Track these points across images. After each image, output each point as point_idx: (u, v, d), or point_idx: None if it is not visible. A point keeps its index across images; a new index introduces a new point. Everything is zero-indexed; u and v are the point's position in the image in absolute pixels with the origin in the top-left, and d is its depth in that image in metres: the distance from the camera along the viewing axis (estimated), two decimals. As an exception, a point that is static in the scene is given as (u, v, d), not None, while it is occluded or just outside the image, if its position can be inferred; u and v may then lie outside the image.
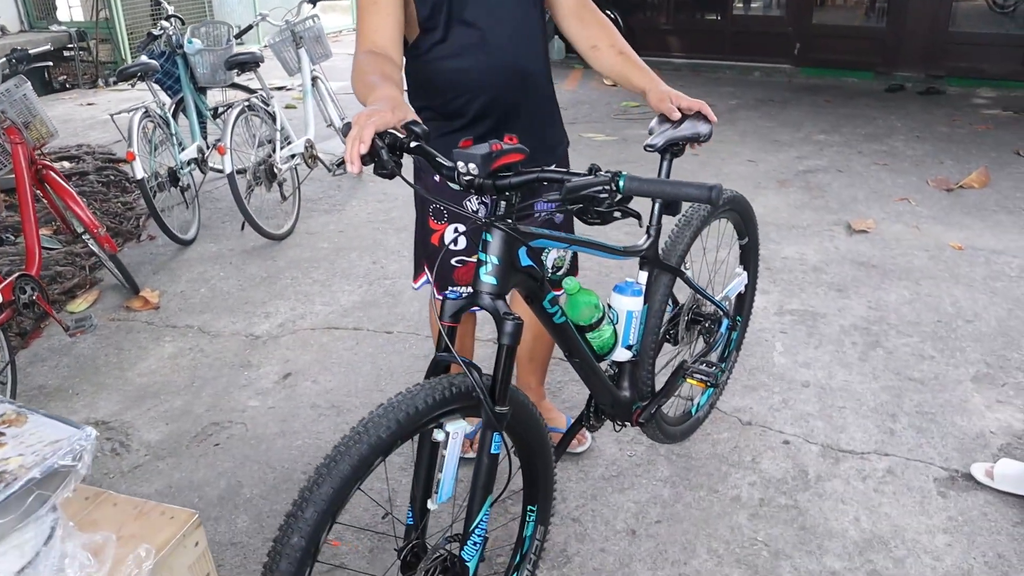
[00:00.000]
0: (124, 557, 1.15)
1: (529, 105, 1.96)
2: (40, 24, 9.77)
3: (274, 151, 4.26)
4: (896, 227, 4.17)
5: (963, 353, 2.98)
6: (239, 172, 4.03)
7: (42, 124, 3.58)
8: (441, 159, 1.43)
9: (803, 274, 3.65)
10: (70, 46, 9.26)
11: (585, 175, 1.42)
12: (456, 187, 1.43)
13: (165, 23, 4.58)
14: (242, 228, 4.12)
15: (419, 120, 1.42)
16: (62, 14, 10.31)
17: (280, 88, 7.69)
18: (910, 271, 3.66)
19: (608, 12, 8.46)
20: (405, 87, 1.88)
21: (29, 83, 3.55)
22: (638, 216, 1.44)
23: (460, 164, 1.39)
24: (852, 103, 6.91)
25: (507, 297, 1.53)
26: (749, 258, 2.50)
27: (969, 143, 5.65)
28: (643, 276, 1.97)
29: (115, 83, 9.08)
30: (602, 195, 1.39)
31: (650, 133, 1.97)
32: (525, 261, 1.55)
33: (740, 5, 8.94)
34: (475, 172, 1.37)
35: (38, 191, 3.45)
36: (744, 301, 2.60)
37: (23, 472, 1.06)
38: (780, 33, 8.16)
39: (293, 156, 4.36)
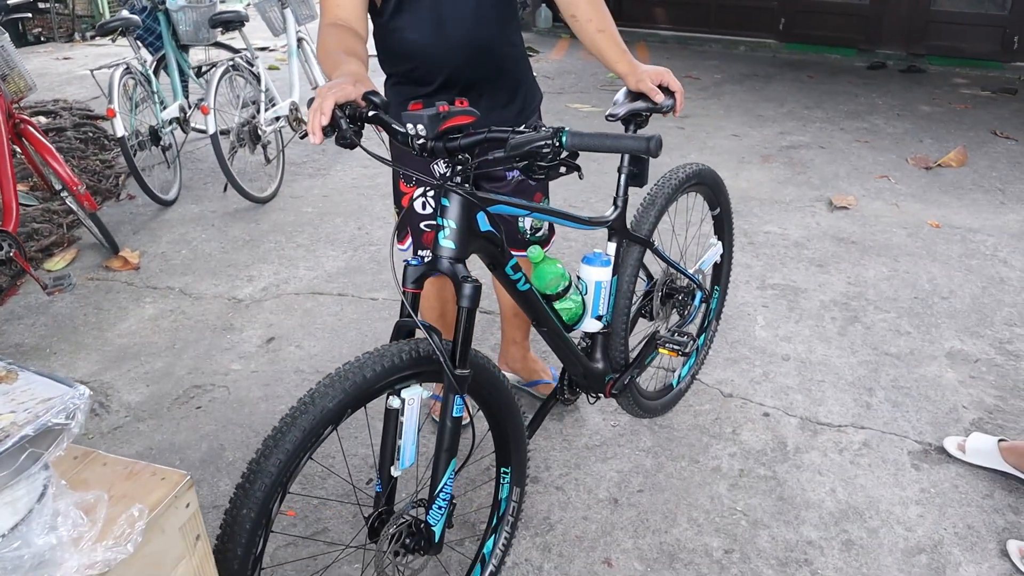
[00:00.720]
0: (116, 516, 1.15)
1: (493, 77, 1.94)
2: (13, -27, 9.52)
3: (258, 112, 4.20)
4: (876, 204, 4.21)
5: (938, 329, 3.03)
6: (222, 133, 3.97)
7: (20, 77, 3.51)
8: (396, 125, 1.44)
9: (785, 249, 3.68)
10: (45, -2, 9.06)
11: (529, 132, 1.43)
12: (413, 152, 1.44)
13: (147, -22, 4.48)
14: (224, 190, 4.08)
15: (378, 91, 1.43)
16: (36, -35, 10.05)
17: (264, 48, 7.56)
18: (889, 248, 3.71)
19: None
20: (374, 52, 1.87)
21: (7, 34, 3.47)
22: (578, 168, 1.46)
23: (409, 126, 1.40)
24: (835, 80, 6.93)
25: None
26: (723, 228, 2.51)
27: (948, 122, 5.70)
28: (612, 247, 1.98)
29: (93, 37, 8.90)
30: (545, 150, 1.40)
31: (614, 104, 1.98)
32: (485, 226, 1.55)
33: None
34: (423, 133, 1.39)
35: (15, 146, 3.39)
36: (721, 271, 2.63)
37: (16, 429, 1.06)
38: (765, 8, 8.14)
39: (278, 118, 4.30)
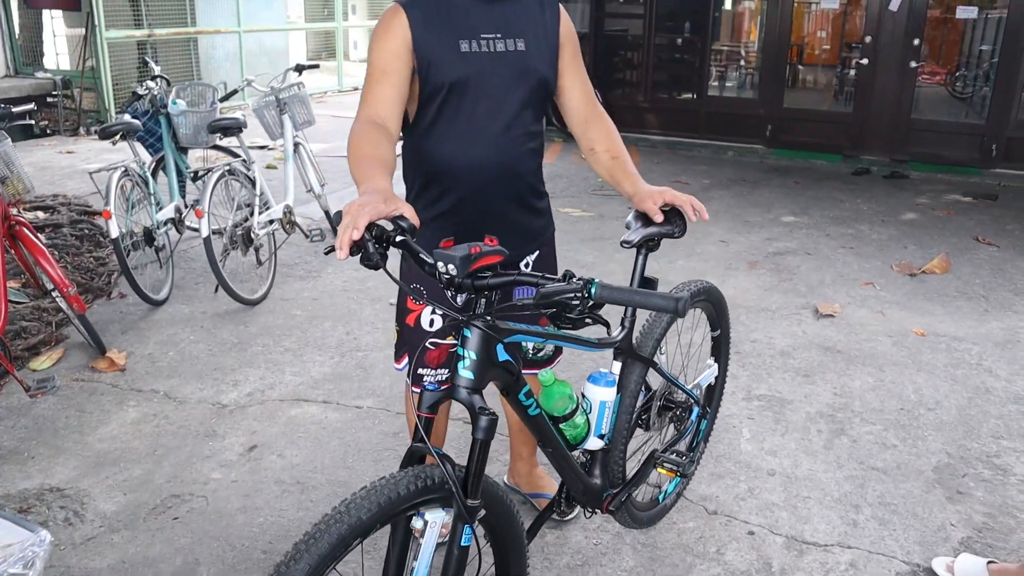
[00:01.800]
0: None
1: (510, 204, 2.01)
2: (27, 70, 9.84)
3: (252, 214, 4.27)
4: (861, 312, 4.26)
5: (925, 442, 3.02)
6: (215, 233, 4.03)
7: (19, 180, 3.59)
8: (424, 255, 1.48)
9: (771, 358, 3.70)
10: (54, 93, 9.32)
11: (559, 280, 1.46)
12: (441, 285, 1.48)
13: (151, 83, 4.62)
14: (215, 291, 4.11)
15: (407, 215, 1.46)
16: (49, 61, 10.40)
17: (262, 147, 7.73)
18: (875, 357, 3.73)
19: (588, 87, 8.64)
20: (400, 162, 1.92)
21: (9, 139, 3.57)
22: (607, 324, 1.49)
23: (440, 264, 1.44)
24: (821, 185, 7.09)
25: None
26: (720, 350, 2.54)
27: (931, 228, 5.81)
28: (617, 366, 2.00)
29: (96, 132, 9.11)
30: (574, 302, 1.42)
31: (627, 228, 2.02)
32: (503, 356, 1.59)
33: (716, 84, 9.20)
34: (454, 273, 1.43)
35: (9, 246, 3.43)
36: (714, 393, 2.64)
37: (-27, 575, 1.04)
38: (753, 115, 8.38)
39: (271, 221, 4.37)
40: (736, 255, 5.13)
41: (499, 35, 1.89)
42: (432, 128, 1.91)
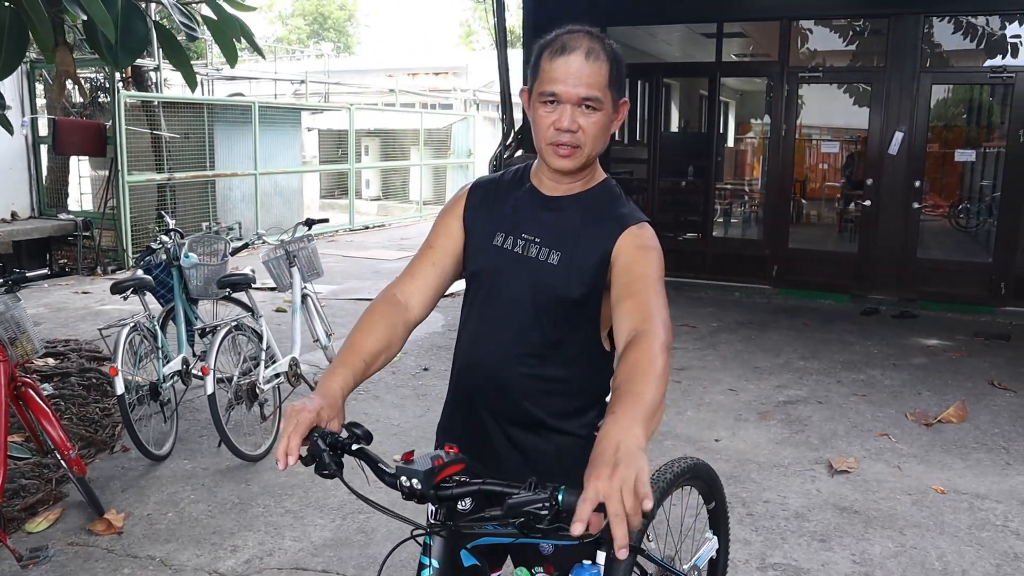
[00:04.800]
0: None
1: (497, 420, 1.80)
2: (50, 212, 10.16)
3: (256, 366, 4.28)
4: (878, 466, 4.15)
5: (954, 618, 2.87)
6: (220, 383, 4.02)
7: (28, 341, 3.61)
8: (383, 465, 1.45)
9: (785, 521, 3.57)
10: (75, 233, 9.60)
11: (523, 489, 1.38)
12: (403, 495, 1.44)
13: (165, 237, 4.74)
14: (219, 445, 4.06)
15: (333, 428, 1.47)
16: (72, 203, 10.76)
17: (271, 288, 7.84)
18: (894, 518, 3.60)
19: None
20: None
21: (22, 302, 3.62)
22: (599, 544, 1.42)
23: (403, 479, 1.40)
24: (829, 327, 7.07)
25: None
26: (719, 522, 2.45)
27: (944, 371, 5.75)
28: (602, 556, 1.91)
29: (114, 272, 9.33)
30: (542, 511, 1.34)
31: None
32: (469, 561, 1.53)
33: (720, 222, 9.38)
34: (418, 488, 1.39)
35: (13, 406, 3.42)
36: (717, 566, 2.53)
37: None
38: (758, 256, 8.45)
39: (277, 375, 4.37)
40: (746, 405, 5.06)
41: (538, 240, 1.75)
42: (463, 312, 1.87)
